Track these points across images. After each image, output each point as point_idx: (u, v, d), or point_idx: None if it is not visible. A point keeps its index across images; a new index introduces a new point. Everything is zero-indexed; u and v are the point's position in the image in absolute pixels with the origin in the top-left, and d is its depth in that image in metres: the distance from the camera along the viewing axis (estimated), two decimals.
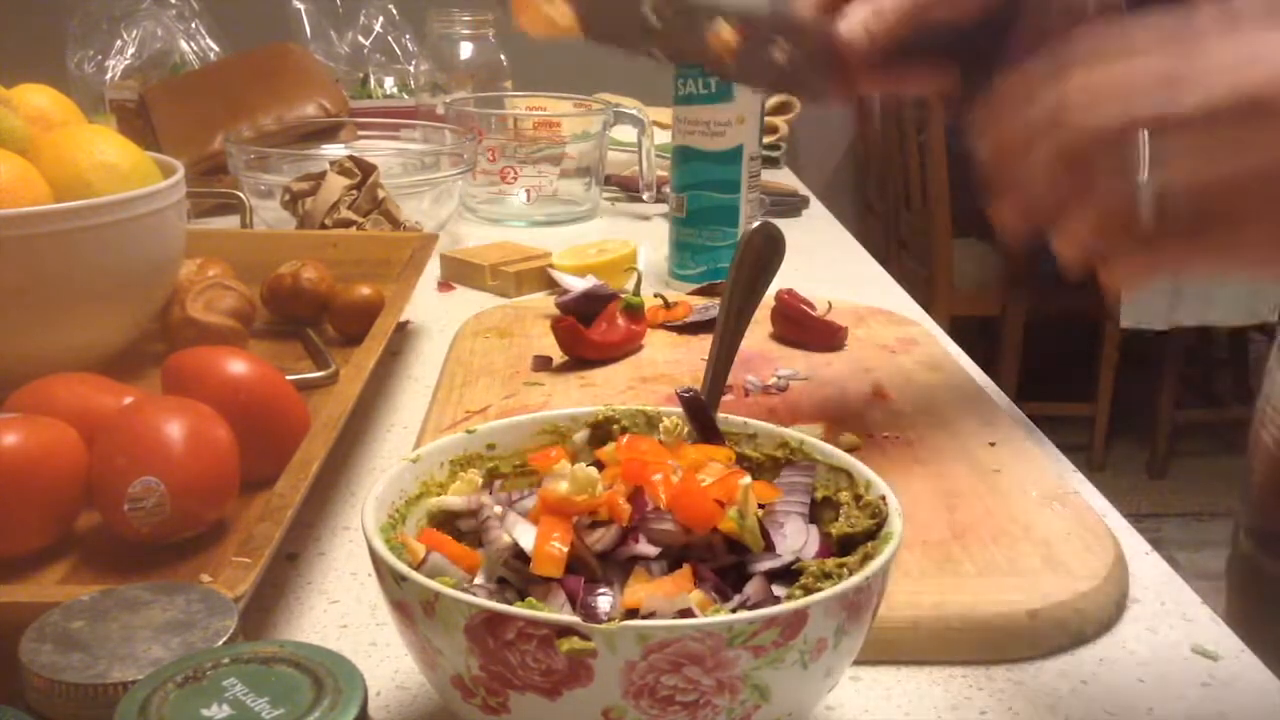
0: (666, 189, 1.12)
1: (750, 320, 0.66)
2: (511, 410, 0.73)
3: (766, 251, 0.65)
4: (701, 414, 0.53)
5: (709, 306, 0.91)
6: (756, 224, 0.65)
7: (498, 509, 0.46)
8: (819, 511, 0.49)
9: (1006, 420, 0.74)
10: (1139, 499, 2.88)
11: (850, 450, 0.54)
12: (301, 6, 1.86)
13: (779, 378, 0.80)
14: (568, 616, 0.37)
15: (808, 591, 0.41)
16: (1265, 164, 0.38)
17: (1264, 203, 0.39)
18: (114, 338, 0.76)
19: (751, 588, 0.43)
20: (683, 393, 0.53)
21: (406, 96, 1.78)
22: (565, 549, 0.42)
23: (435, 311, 1.02)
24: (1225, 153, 0.39)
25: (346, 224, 1.08)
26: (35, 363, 0.64)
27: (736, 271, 0.64)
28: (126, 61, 1.67)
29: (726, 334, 0.63)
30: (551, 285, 1.03)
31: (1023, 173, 0.42)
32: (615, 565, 0.44)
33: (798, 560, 0.45)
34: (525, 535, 0.43)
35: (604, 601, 0.41)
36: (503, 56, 1.68)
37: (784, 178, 1.62)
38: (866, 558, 0.43)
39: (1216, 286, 2.64)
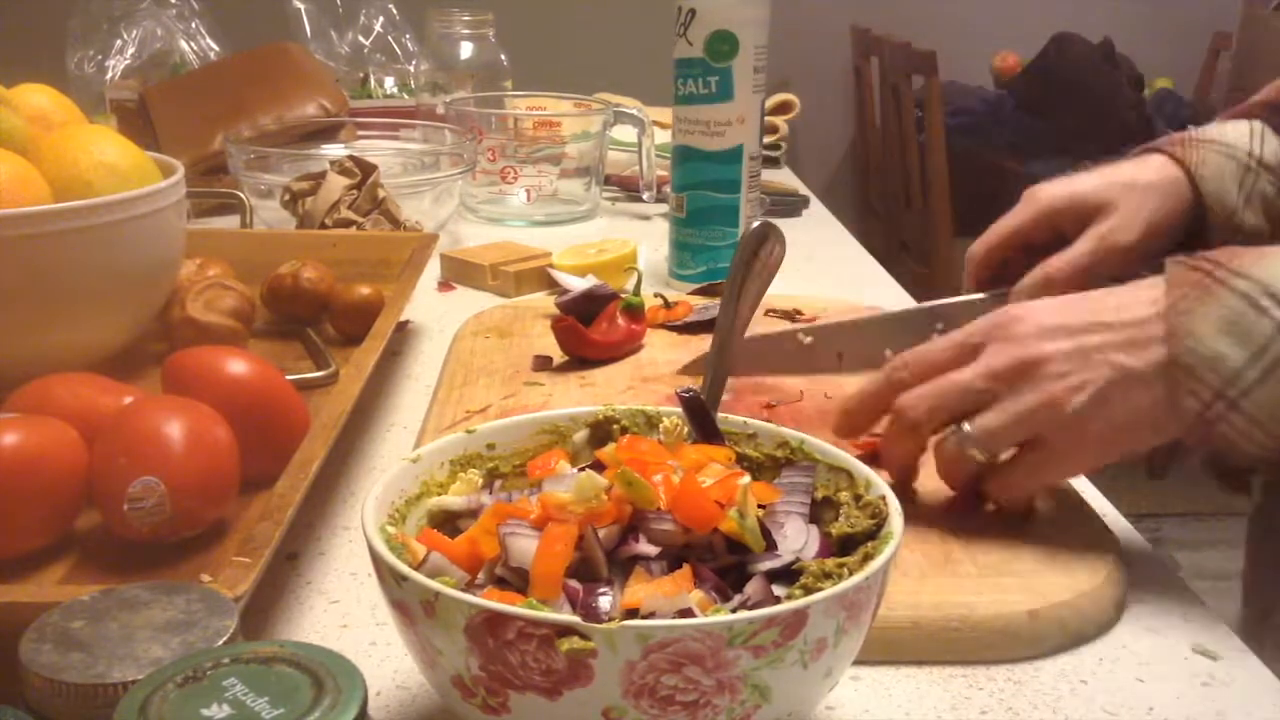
0: (666, 189, 1.12)
1: (750, 321, 0.66)
2: (511, 410, 0.73)
3: (766, 251, 0.65)
4: (701, 414, 0.53)
5: (709, 306, 0.91)
6: (756, 224, 0.65)
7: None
8: (819, 511, 0.49)
9: None
10: (1139, 499, 2.88)
11: None
12: (301, 6, 1.86)
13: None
14: (568, 616, 0.37)
15: (808, 591, 0.41)
16: (1038, 401, 0.56)
17: (1048, 427, 0.56)
18: (114, 338, 0.76)
19: (751, 588, 0.43)
20: (683, 393, 0.53)
21: (406, 96, 1.78)
22: (562, 570, 0.42)
23: (435, 311, 1.02)
24: (1010, 402, 0.57)
25: (346, 224, 1.08)
26: (35, 363, 0.64)
27: (736, 271, 0.64)
28: (126, 61, 1.67)
29: (726, 334, 0.63)
30: (551, 285, 1.03)
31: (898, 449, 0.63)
32: (615, 565, 0.44)
33: (798, 560, 0.45)
34: (524, 554, 0.43)
35: (604, 601, 0.41)
36: (503, 56, 1.68)
37: (784, 178, 1.62)
38: (866, 558, 0.43)
39: None
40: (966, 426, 0.58)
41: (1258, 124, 0.75)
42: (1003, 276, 0.77)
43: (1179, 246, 0.70)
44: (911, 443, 0.61)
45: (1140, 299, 0.57)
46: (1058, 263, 0.73)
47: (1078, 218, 0.74)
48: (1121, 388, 0.55)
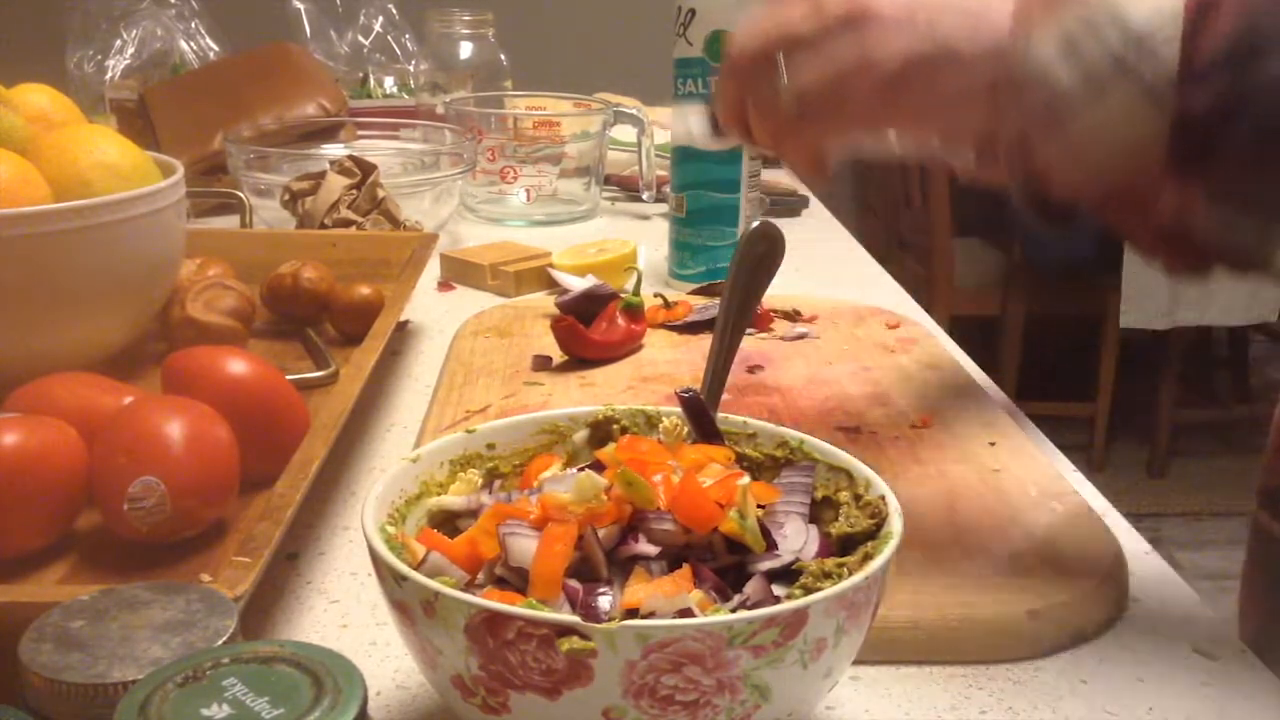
0: (666, 189, 1.12)
1: (751, 320, 0.66)
2: (511, 410, 0.73)
3: (766, 251, 0.65)
4: (701, 414, 0.53)
5: (709, 306, 0.91)
6: (756, 224, 0.65)
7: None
8: (819, 511, 0.49)
9: (1006, 420, 0.74)
10: (1139, 499, 2.88)
11: None
12: (301, 6, 1.86)
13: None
14: (568, 616, 0.37)
15: (808, 591, 0.41)
16: (854, 60, 0.55)
17: (856, 90, 0.55)
18: (114, 338, 0.76)
19: (751, 588, 0.43)
20: (682, 393, 0.53)
21: (406, 96, 1.78)
22: (562, 570, 0.42)
23: (435, 311, 1.02)
24: (828, 55, 0.55)
25: (346, 224, 1.08)
26: (35, 363, 0.64)
27: (736, 271, 0.64)
28: (126, 61, 1.67)
29: (726, 334, 0.63)
30: (551, 285, 1.03)
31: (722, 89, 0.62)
32: (615, 565, 0.44)
33: (798, 560, 0.45)
34: (524, 554, 0.43)
35: (604, 601, 0.41)
36: (503, 56, 1.68)
37: (784, 178, 1.62)
38: (866, 558, 0.43)
39: (1216, 287, 2.64)
40: (784, 78, 0.57)
41: None
42: None
43: None
44: (734, 88, 0.60)
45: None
46: None
47: None
48: (936, 67, 0.53)
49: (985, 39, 0.52)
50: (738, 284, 0.64)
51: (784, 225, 0.67)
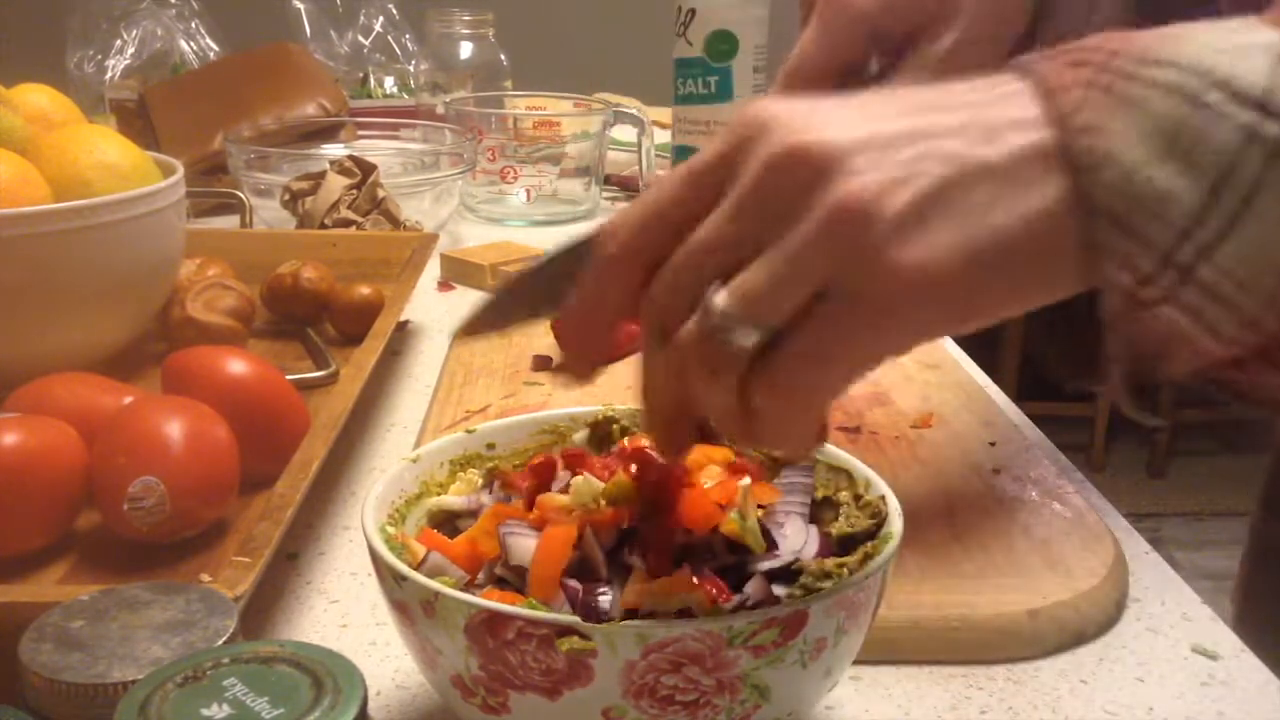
0: None
1: None
2: (511, 410, 0.73)
3: None
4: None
5: None
6: None
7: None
8: (819, 511, 0.49)
9: (1006, 420, 0.74)
10: (1139, 499, 2.88)
11: None
12: (301, 6, 1.86)
13: None
14: (567, 616, 0.37)
15: (808, 591, 0.41)
16: (830, 215, 0.33)
17: (851, 261, 0.33)
18: (114, 338, 0.76)
19: (751, 588, 0.43)
20: None
21: (406, 96, 1.78)
22: (562, 570, 0.42)
23: (435, 311, 1.02)
24: (783, 240, 0.33)
25: (346, 224, 1.08)
26: (35, 363, 0.64)
27: None
28: (126, 61, 1.67)
29: None
30: None
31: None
32: (615, 565, 0.44)
33: (798, 560, 0.45)
34: (523, 554, 0.43)
35: (604, 601, 0.41)
36: (503, 56, 1.68)
37: None
38: (866, 558, 0.43)
39: None
40: (717, 299, 0.34)
41: None
42: None
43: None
44: (664, 368, 0.37)
45: (998, 90, 0.35)
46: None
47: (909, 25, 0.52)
48: (969, 187, 0.33)
49: (1021, 138, 0.33)
50: None
51: None
